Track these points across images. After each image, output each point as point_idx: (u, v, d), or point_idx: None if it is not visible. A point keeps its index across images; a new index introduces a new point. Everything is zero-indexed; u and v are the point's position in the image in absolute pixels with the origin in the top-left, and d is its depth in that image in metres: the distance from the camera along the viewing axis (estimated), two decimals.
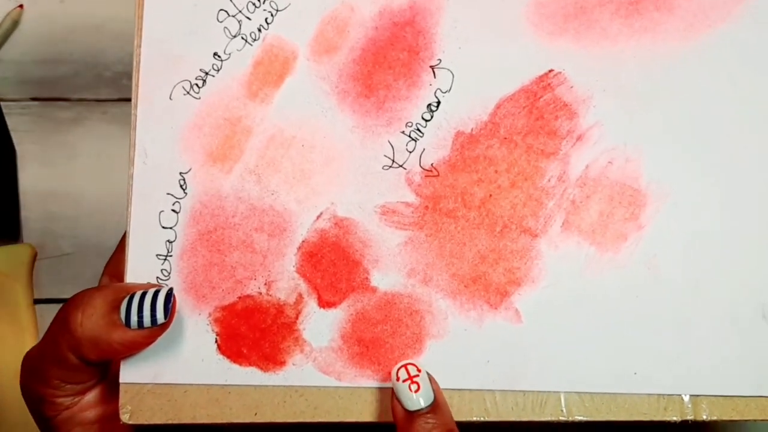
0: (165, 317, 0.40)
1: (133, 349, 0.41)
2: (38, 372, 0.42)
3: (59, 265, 0.69)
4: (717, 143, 0.42)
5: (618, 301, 0.42)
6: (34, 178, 0.69)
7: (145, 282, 0.43)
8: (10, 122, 0.68)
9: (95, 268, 0.68)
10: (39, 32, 0.72)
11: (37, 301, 0.67)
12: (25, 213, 0.69)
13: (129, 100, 0.69)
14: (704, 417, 0.41)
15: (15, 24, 0.71)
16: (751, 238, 0.41)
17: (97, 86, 0.71)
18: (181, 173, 0.43)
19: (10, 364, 0.64)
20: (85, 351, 0.40)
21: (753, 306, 0.41)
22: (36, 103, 0.71)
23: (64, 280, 0.69)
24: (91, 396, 0.43)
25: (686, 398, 0.41)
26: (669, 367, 0.41)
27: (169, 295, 0.40)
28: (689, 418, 0.41)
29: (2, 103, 0.69)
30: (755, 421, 0.41)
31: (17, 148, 0.69)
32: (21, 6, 0.71)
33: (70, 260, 0.69)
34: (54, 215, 0.69)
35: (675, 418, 0.41)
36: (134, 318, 0.40)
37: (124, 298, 0.40)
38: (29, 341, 0.65)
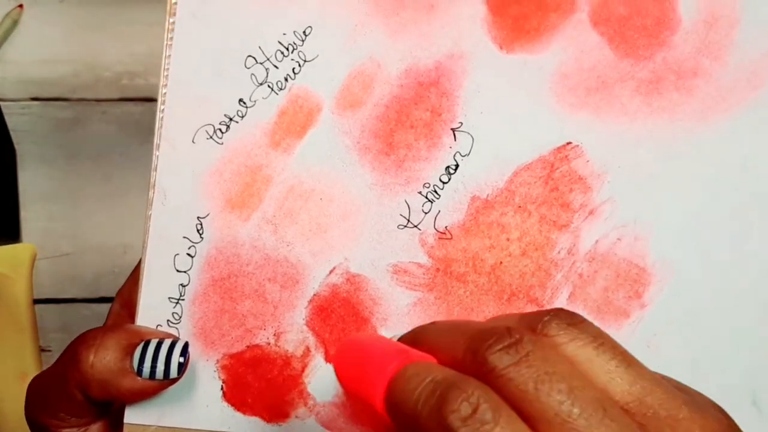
0: (178, 373, 0.41)
1: (140, 396, 0.42)
2: (44, 403, 0.43)
3: (59, 265, 0.69)
4: (724, 226, 0.43)
5: None
6: (34, 178, 0.69)
7: (155, 325, 0.43)
8: (10, 122, 0.68)
9: (95, 268, 0.69)
10: (39, 32, 0.72)
11: (36, 301, 0.68)
12: (24, 213, 0.69)
13: (129, 100, 0.70)
14: None
15: (15, 24, 0.71)
16: (747, 324, 0.43)
17: (97, 86, 0.71)
18: (198, 218, 0.43)
19: (10, 364, 0.65)
20: (92, 391, 0.41)
21: (744, 391, 0.42)
22: (36, 103, 0.70)
23: (64, 280, 0.69)
24: (96, 427, 0.44)
25: None
26: None
27: (185, 350, 0.41)
28: None
29: (2, 103, 0.69)
30: None
31: (17, 148, 0.69)
32: (21, 6, 0.71)
33: (70, 260, 0.69)
34: (54, 215, 0.70)
35: None
36: (147, 368, 0.40)
37: (137, 344, 0.41)
38: (29, 341, 0.65)
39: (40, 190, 0.69)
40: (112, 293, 0.62)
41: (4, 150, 0.68)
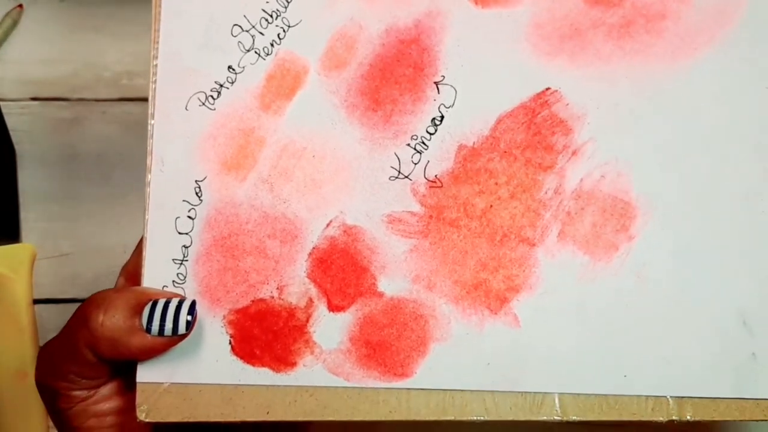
0: (186, 329, 0.42)
1: (150, 354, 0.43)
2: (54, 366, 0.44)
3: (59, 265, 0.70)
4: (701, 158, 0.44)
5: (609, 307, 0.44)
6: (34, 178, 0.70)
7: (161, 286, 0.44)
8: (10, 122, 0.69)
9: (95, 268, 0.70)
10: (39, 32, 0.73)
11: (36, 301, 0.68)
12: (24, 213, 0.70)
13: (129, 100, 0.72)
14: (688, 417, 0.44)
15: (15, 24, 0.72)
16: (731, 248, 0.44)
17: (97, 86, 0.72)
18: (196, 181, 0.45)
19: (10, 364, 0.65)
20: (102, 350, 0.42)
21: (733, 312, 0.44)
22: (35, 103, 0.71)
23: (64, 280, 0.70)
24: (106, 389, 0.45)
25: (671, 400, 0.44)
26: (655, 371, 0.44)
27: (192, 307, 0.42)
28: (674, 418, 0.44)
29: (2, 103, 0.70)
30: (735, 421, 0.44)
31: (17, 148, 0.70)
32: (21, 6, 0.72)
33: (70, 260, 0.70)
34: (54, 215, 0.70)
35: (661, 419, 0.44)
36: (156, 326, 0.42)
37: (146, 303, 0.42)
38: (29, 341, 0.66)
39: (39, 190, 0.70)
40: None
41: (4, 150, 0.69)
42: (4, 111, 0.69)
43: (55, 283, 0.70)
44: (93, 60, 0.72)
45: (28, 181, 0.70)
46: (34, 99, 0.71)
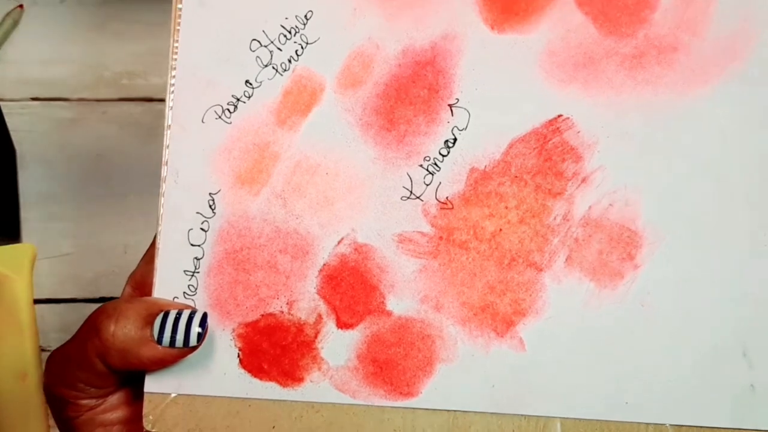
0: (197, 341, 0.42)
1: (160, 365, 0.43)
2: (63, 374, 0.44)
3: (59, 265, 0.70)
4: (708, 189, 0.45)
5: (613, 334, 0.45)
6: (34, 178, 0.70)
7: (172, 297, 0.45)
8: (10, 122, 0.69)
9: (95, 268, 0.70)
10: (39, 32, 0.73)
11: (37, 301, 0.68)
12: (25, 213, 0.70)
13: (129, 100, 0.72)
14: None
15: (15, 24, 0.72)
16: (735, 280, 0.45)
17: (97, 86, 0.72)
18: (210, 194, 0.45)
19: (10, 364, 0.65)
20: (112, 360, 0.42)
21: (734, 343, 0.44)
22: (36, 103, 0.71)
23: (64, 280, 0.70)
24: (114, 398, 0.45)
25: (670, 428, 0.44)
26: (656, 398, 0.44)
27: (204, 319, 0.43)
28: None
29: (2, 103, 0.69)
30: None
31: (17, 148, 0.70)
32: (21, 6, 0.72)
33: (70, 260, 0.70)
34: (54, 215, 0.70)
35: None
36: (167, 337, 0.42)
37: (157, 314, 0.42)
38: (29, 341, 0.66)
39: (40, 190, 0.70)
40: (112, 293, 0.62)
41: (5, 150, 0.69)
42: (4, 111, 0.69)
43: (55, 283, 0.70)
44: (93, 60, 0.72)
45: (29, 181, 0.70)
46: (34, 99, 0.71)
